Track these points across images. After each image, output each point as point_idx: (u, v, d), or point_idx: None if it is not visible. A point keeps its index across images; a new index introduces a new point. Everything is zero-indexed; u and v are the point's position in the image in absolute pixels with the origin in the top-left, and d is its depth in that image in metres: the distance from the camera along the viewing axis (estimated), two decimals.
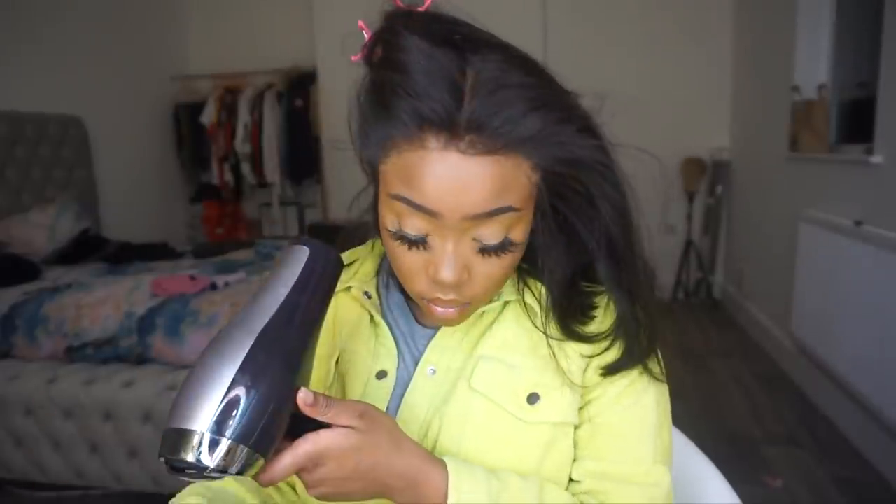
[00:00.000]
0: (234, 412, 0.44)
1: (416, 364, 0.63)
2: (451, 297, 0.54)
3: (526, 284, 0.63)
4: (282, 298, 0.49)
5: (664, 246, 4.26)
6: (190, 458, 0.43)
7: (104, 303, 2.10)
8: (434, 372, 0.62)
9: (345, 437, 0.49)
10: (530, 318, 0.63)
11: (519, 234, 0.54)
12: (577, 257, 0.60)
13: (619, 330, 0.60)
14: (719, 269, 4.35)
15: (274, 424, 0.46)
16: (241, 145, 4.32)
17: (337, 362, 0.66)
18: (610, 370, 0.61)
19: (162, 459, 0.45)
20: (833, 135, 2.75)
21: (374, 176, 0.56)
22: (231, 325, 0.48)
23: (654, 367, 0.63)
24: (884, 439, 2.04)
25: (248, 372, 0.45)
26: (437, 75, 0.48)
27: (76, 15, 3.65)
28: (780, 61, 3.09)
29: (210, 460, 0.43)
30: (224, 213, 4.60)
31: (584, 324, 0.61)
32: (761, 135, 3.56)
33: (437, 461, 0.55)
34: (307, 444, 0.48)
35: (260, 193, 4.66)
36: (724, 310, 4.12)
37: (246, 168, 4.38)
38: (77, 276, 2.52)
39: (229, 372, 0.45)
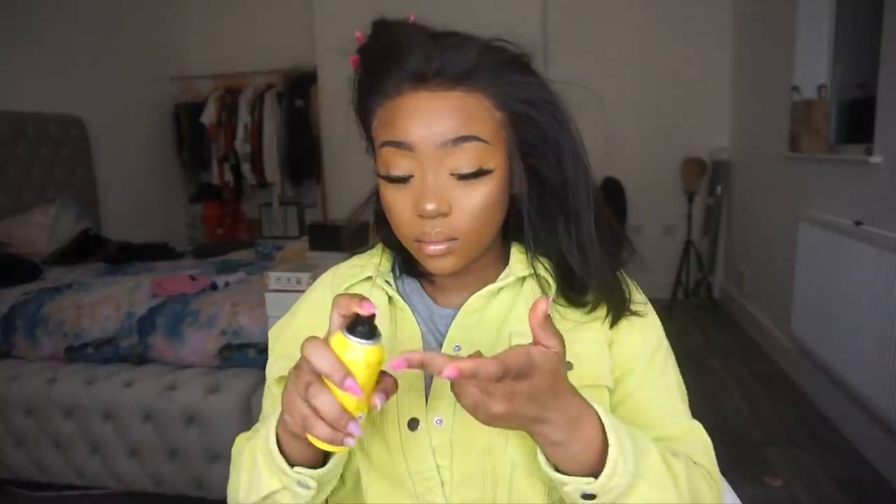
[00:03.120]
0: None
1: (439, 344, 0.67)
2: (437, 229, 0.58)
3: (538, 261, 0.67)
4: None
5: (664, 246, 4.28)
6: None
7: (104, 303, 2.10)
8: (459, 349, 0.66)
9: (553, 358, 0.50)
10: (546, 293, 0.66)
11: (492, 165, 0.59)
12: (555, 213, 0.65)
13: (603, 286, 0.65)
14: (719, 269, 4.34)
15: None
16: (241, 145, 4.32)
17: None
18: (613, 321, 0.67)
19: None
20: (833, 135, 2.75)
21: (373, 146, 0.63)
22: None
23: (639, 304, 0.69)
24: (884, 439, 2.04)
25: None
26: (414, 43, 0.58)
27: (76, 15, 3.66)
28: (780, 61, 3.09)
29: None
30: (224, 213, 4.60)
31: (584, 292, 0.66)
32: (761, 135, 3.56)
33: (591, 407, 0.55)
34: (519, 355, 0.48)
35: (260, 193, 4.66)
36: (724, 310, 4.12)
37: (246, 168, 4.38)
38: (77, 277, 2.52)
39: None
